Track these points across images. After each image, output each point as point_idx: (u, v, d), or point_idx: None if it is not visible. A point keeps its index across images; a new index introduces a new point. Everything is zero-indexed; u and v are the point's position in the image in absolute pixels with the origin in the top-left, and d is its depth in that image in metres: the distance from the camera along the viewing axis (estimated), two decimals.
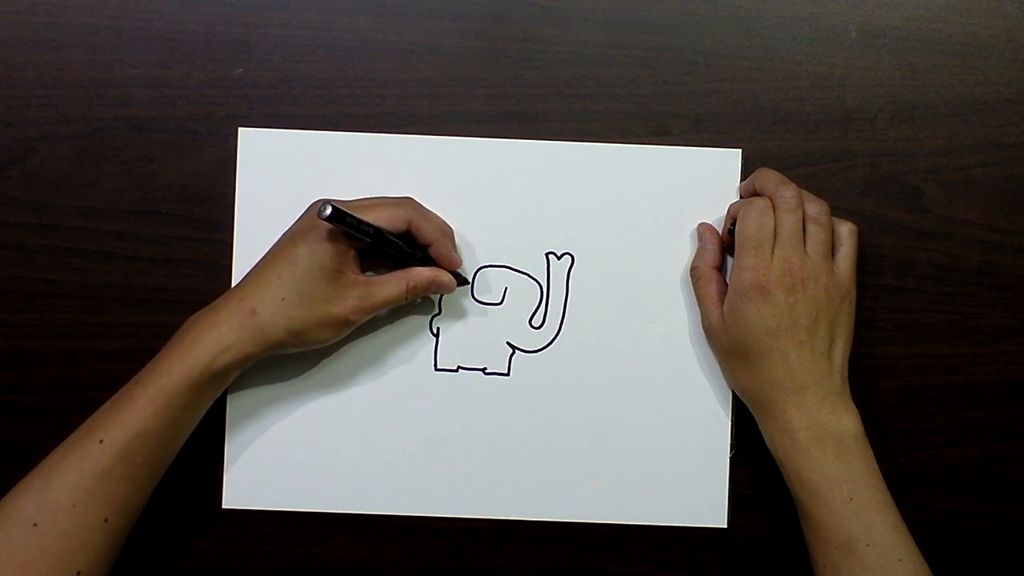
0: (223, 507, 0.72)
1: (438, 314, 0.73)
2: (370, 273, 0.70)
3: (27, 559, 0.60)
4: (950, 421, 0.73)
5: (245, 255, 0.72)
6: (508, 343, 0.73)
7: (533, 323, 0.73)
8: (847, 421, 0.66)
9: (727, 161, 0.73)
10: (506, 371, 0.73)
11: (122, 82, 0.72)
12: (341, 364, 0.72)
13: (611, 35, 0.73)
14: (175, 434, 0.65)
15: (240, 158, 0.72)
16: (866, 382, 0.72)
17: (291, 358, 0.70)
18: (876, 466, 0.66)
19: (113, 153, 0.72)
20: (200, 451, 0.71)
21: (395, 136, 0.73)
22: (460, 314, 0.73)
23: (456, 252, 0.70)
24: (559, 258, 0.73)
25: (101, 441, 0.62)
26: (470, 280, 0.73)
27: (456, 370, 0.73)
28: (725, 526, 0.73)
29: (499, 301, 0.73)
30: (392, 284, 0.68)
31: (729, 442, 0.72)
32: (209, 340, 0.64)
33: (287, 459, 0.72)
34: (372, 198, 0.69)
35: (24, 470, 0.62)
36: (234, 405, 0.72)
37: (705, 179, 0.73)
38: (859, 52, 0.73)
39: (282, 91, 0.72)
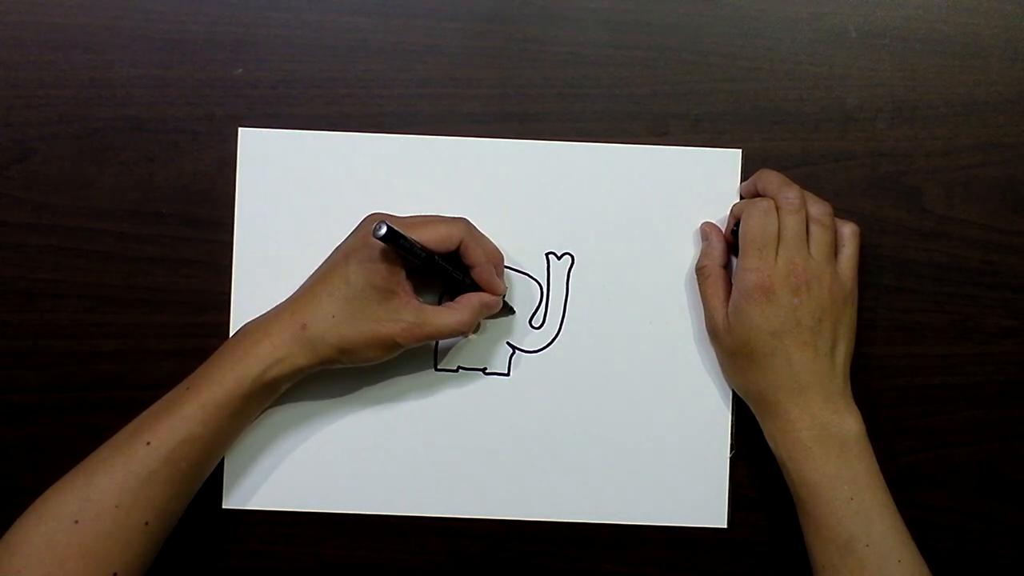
0: (223, 507, 0.72)
1: None
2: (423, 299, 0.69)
3: (66, 556, 0.60)
4: (950, 421, 0.73)
5: (245, 255, 0.72)
6: (508, 343, 0.73)
7: (533, 323, 0.73)
8: (849, 421, 0.66)
9: (727, 161, 0.73)
10: (506, 371, 0.73)
11: (122, 82, 0.72)
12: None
13: (611, 35, 0.73)
14: (220, 441, 0.66)
15: (240, 158, 0.72)
16: (866, 382, 0.72)
17: None
18: (877, 467, 0.66)
19: (113, 153, 0.72)
20: None
21: (395, 136, 0.72)
22: None
23: (500, 279, 0.69)
24: (559, 258, 0.73)
25: (148, 443, 0.63)
26: (515, 311, 0.72)
27: (456, 370, 0.73)
28: (725, 526, 0.73)
29: None
30: (447, 314, 0.67)
31: (729, 442, 0.72)
32: (262, 351, 0.65)
33: (287, 459, 0.72)
34: (425, 216, 0.68)
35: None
36: None
37: (705, 179, 0.73)
38: (859, 52, 0.73)
39: (282, 91, 0.72)
